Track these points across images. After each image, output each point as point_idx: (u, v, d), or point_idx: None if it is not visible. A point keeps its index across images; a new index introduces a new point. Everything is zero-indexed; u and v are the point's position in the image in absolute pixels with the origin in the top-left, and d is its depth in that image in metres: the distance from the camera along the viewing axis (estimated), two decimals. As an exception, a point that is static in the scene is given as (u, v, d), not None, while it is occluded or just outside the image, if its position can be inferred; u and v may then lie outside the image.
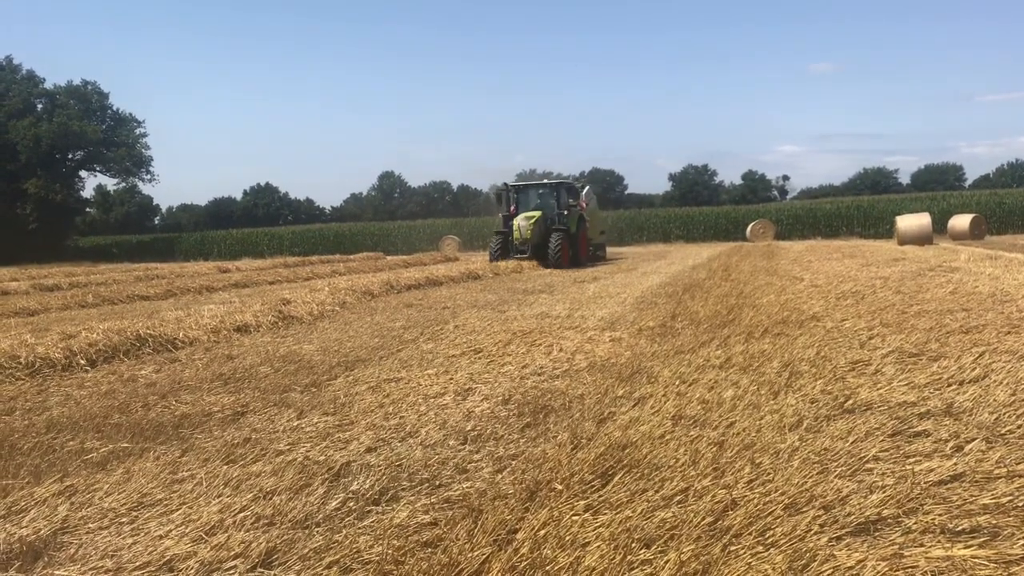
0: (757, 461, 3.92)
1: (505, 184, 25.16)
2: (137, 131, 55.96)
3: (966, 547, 2.91)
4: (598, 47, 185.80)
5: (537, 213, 23.31)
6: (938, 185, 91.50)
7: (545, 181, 25.40)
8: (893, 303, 9.36)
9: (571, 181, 26.11)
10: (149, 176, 57.42)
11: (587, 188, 26.60)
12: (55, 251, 50.32)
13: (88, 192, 65.14)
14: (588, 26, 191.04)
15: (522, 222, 22.84)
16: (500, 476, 4.05)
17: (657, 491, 3.59)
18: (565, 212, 23.69)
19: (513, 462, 4.26)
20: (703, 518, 3.24)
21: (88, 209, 67.56)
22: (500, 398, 5.78)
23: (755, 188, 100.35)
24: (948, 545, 2.93)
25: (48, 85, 55.16)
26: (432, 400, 5.85)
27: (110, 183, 65.13)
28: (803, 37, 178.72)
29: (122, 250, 55.47)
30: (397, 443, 4.75)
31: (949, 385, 5.25)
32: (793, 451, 4.04)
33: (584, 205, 24.92)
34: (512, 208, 24.56)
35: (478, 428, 5.00)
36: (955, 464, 3.72)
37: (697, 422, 4.74)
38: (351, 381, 6.69)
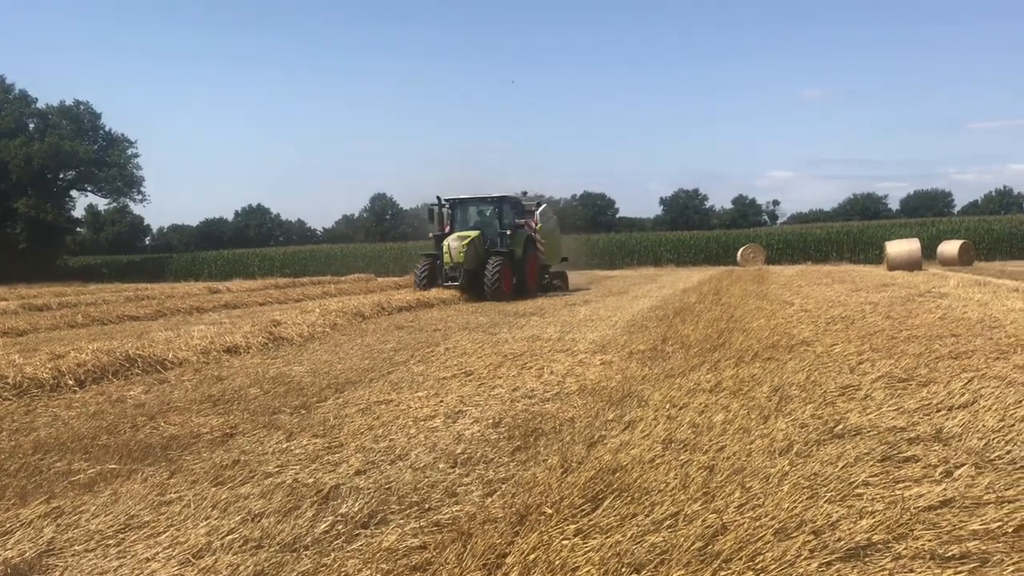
0: (747, 485, 3.92)
1: (439, 198, 21.23)
2: (129, 151, 56.05)
3: (956, 573, 2.91)
4: (589, 73, 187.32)
5: (473, 233, 19.63)
6: (927, 211, 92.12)
7: (486, 195, 21.15)
8: (883, 328, 9.40)
9: (518, 196, 21.96)
10: (140, 196, 57.53)
11: (544, 206, 22.65)
12: (45, 271, 50.00)
13: (79, 212, 64.68)
14: (579, 52, 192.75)
15: (453, 243, 19.10)
16: (490, 500, 4.04)
17: (647, 515, 3.59)
18: (508, 232, 20.06)
19: (503, 486, 4.25)
20: (693, 543, 3.23)
21: (79, 229, 67.24)
22: (490, 421, 5.77)
23: (746, 213, 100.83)
24: (938, 571, 2.94)
25: (40, 105, 55.32)
26: (422, 423, 5.83)
27: (101, 203, 64.86)
28: (794, 63, 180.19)
29: (112, 270, 55.26)
30: (387, 466, 4.74)
31: (938, 410, 5.27)
32: (783, 476, 4.05)
33: (535, 224, 21.15)
34: (446, 227, 20.95)
35: (468, 451, 4.98)
36: (944, 489, 3.73)
37: (687, 446, 4.74)
38: (341, 403, 6.67)
